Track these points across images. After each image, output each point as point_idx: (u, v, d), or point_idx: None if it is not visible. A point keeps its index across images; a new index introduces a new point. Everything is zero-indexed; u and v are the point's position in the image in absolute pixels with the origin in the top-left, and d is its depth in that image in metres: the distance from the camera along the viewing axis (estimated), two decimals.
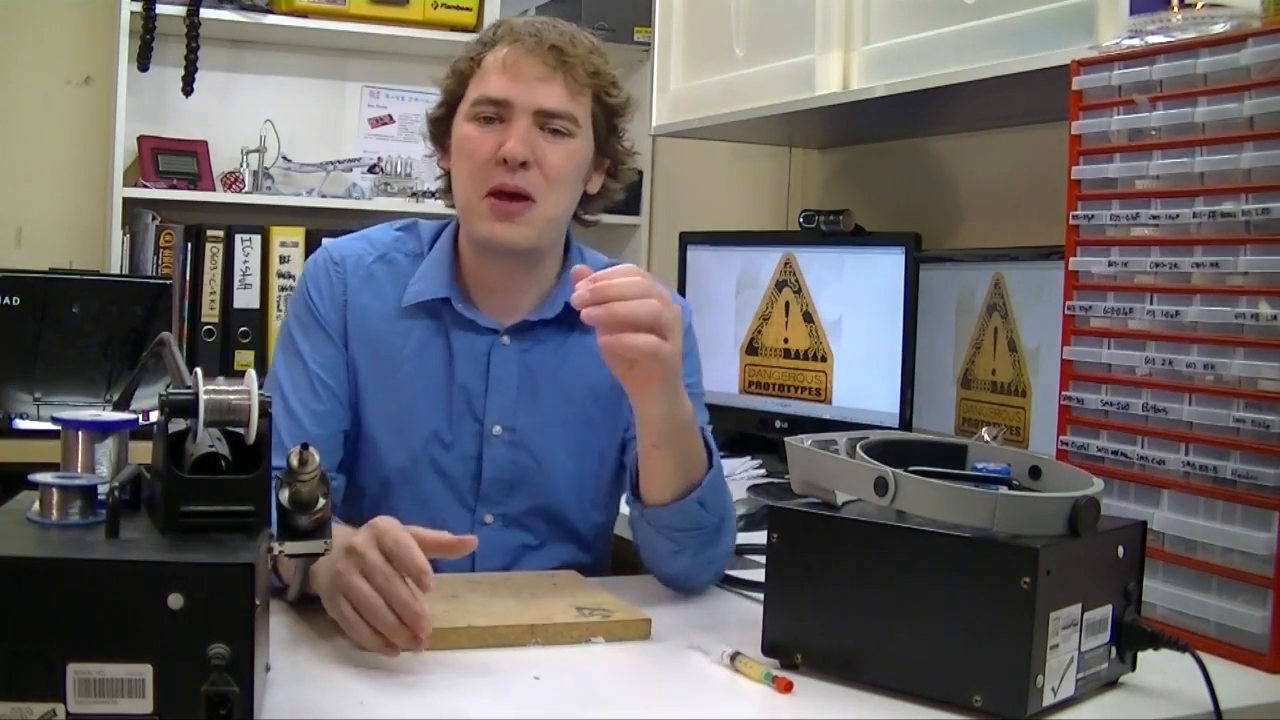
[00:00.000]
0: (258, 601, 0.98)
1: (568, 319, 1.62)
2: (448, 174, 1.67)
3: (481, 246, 1.60)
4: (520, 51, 1.55)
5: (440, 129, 1.66)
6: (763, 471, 2.52)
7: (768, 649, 1.26)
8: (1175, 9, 1.50)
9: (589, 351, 1.60)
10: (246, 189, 3.21)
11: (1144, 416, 1.47)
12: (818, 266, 2.53)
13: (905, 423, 2.28)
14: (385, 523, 1.28)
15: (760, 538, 1.34)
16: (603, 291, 1.33)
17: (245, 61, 3.33)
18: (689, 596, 1.55)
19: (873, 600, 1.19)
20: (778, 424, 2.54)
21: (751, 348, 2.64)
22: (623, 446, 1.68)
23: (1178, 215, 1.44)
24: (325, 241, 1.73)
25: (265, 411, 1.06)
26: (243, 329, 3.15)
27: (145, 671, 0.94)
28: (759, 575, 1.35)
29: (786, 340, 2.58)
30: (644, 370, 1.37)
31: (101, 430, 1.12)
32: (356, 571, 1.24)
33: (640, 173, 3.50)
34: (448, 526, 1.59)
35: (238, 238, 3.14)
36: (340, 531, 1.33)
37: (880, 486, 1.20)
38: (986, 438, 1.35)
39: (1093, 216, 1.53)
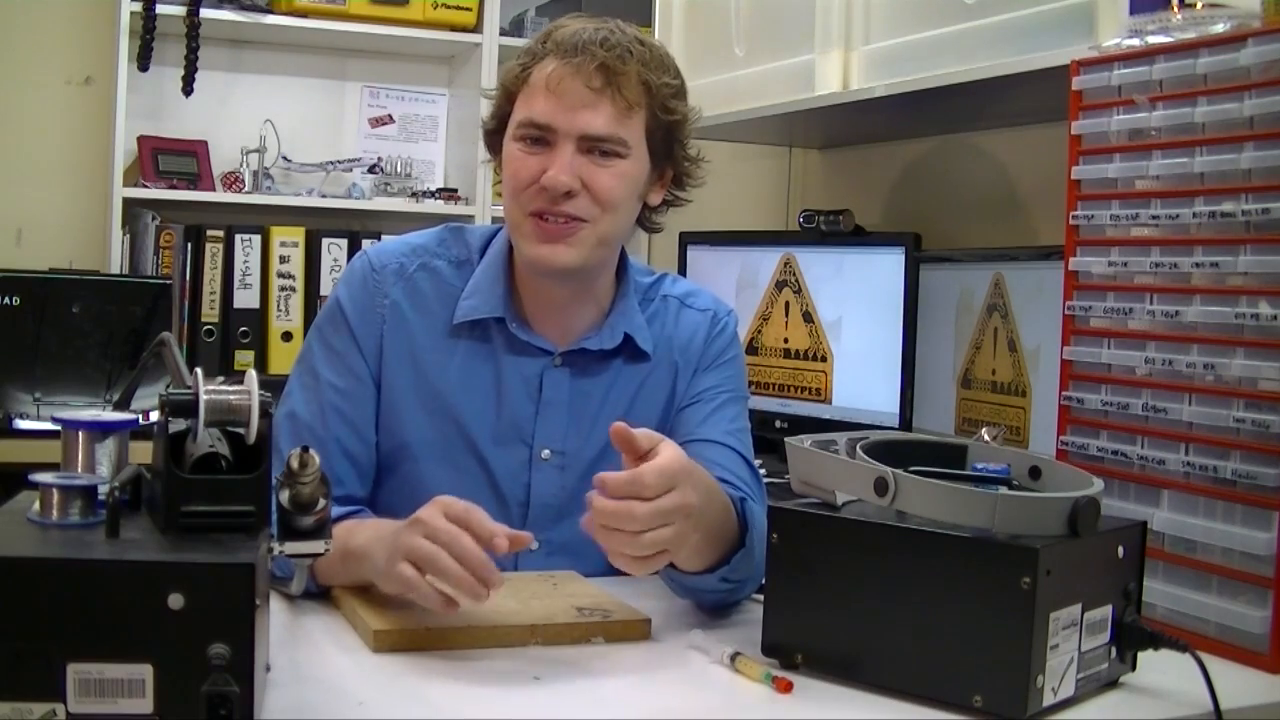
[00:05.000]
0: (258, 601, 0.98)
1: (624, 349, 1.60)
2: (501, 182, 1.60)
3: (529, 268, 1.55)
4: (566, 72, 1.47)
5: (493, 141, 1.59)
6: (763, 471, 2.51)
7: (768, 649, 1.26)
8: (1175, 9, 1.50)
9: (644, 383, 1.61)
10: (246, 189, 3.21)
11: (1144, 416, 1.47)
12: (818, 266, 2.53)
13: (905, 423, 2.28)
14: (449, 498, 1.28)
15: None
16: (630, 520, 1.21)
17: (245, 61, 3.33)
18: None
19: (873, 600, 1.19)
20: (778, 424, 2.54)
21: (751, 348, 2.64)
22: None
23: (1178, 215, 1.44)
24: (366, 246, 1.65)
25: (265, 412, 1.06)
26: (243, 329, 3.15)
27: (145, 671, 0.94)
28: None
29: (786, 340, 2.58)
30: None
31: (101, 430, 1.11)
32: (420, 535, 1.24)
33: None
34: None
35: (238, 238, 3.14)
36: (395, 522, 1.33)
37: (880, 487, 1.20)
38: (986, 438, 1.35)
39: (1093, 216, 1.53)
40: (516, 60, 1.55)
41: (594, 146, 1.48)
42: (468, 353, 1.57)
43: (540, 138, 1.49)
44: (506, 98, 1.55)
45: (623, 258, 1.64)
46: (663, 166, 1.57)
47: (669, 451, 1.25)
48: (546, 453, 1.58)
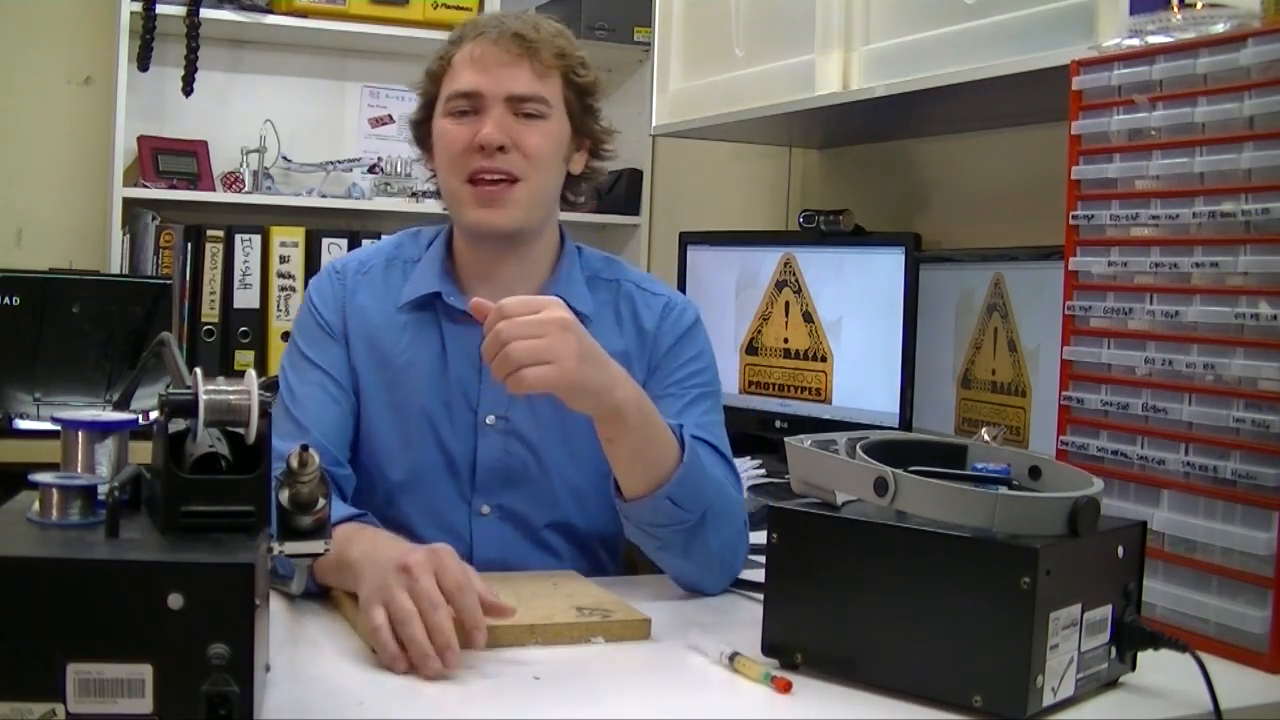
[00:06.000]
0: (258, 601, 0.98)
1: None
2: (435, 173, 1.70)
3: (471, 233, 1.64)
4: (485, 44, 1.61)
5: (421, 131, 1.71)
6: (763, 471, 2.52)
7: (768, 649, 1.26)
8: (1175, 9, 1.50)
9: None
10: (246, 189, 3.21)
11: (1144, 416, 1.46)
12: (818, 266, 2.53)
13: (905, 423, 2.28)
14: (450, 558, 1.28)
15: (760, 538, 1.34)
16: (496, 341, 1.35)
17: (245, 61, 3.33)
18: (689, 596, 1.55)
19: (873, 600, 1.19)
20: (778, 424, 2.54)
21: (751, 348, 2.64)
22: None
23: (1178, 215, 1.44)
24: (365, 245, 1.76)
25: (265, 411, 1.06)
26: (243, 329, 3.15)
27: (145, 671, 0.94)
28: (759, 575, 1.35)
29: (786, 340, 2.58)
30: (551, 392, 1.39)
31: (101, 430, 1.11)
32: (405, 590, 1.24)
33: (640, 172, 3.50)
34: (445, 516, 1.63)
35: (238, 238, 3.14)
36: (394, 545, 1.36)
37: (880, 486, 1.20)
38: (986, 438, 1.35)
39: (1093, 216, 1.53)
40: (437, 51, 1.70)
41: (519, 108, 1.60)
42: (415, 329, 1.66)
43: (469, 109, 1.61)
44: (433, 82, 1.68)
45: (564, 237, 1.72)
46: (581, 135, 1.68)
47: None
48: (491, 419, 1.63)
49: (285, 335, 3.16)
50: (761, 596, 1.28)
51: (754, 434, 2.64)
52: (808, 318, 2.53)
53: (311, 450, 1.14)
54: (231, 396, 1.07)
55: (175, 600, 0.94)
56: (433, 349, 1.65)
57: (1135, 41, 1.50)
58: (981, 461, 1.30)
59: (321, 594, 1.43)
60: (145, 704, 0.94)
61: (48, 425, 2.65)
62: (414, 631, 1.21)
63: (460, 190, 1.61)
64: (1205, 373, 1.40)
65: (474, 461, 1.63)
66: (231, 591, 0.95)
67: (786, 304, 2.58)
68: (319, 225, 3.23)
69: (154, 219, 3.10)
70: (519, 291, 1.64)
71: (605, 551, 1.70)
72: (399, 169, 3.39)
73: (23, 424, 2.72)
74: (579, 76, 1.65)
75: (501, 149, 1.58)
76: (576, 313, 1.63)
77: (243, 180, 3.22)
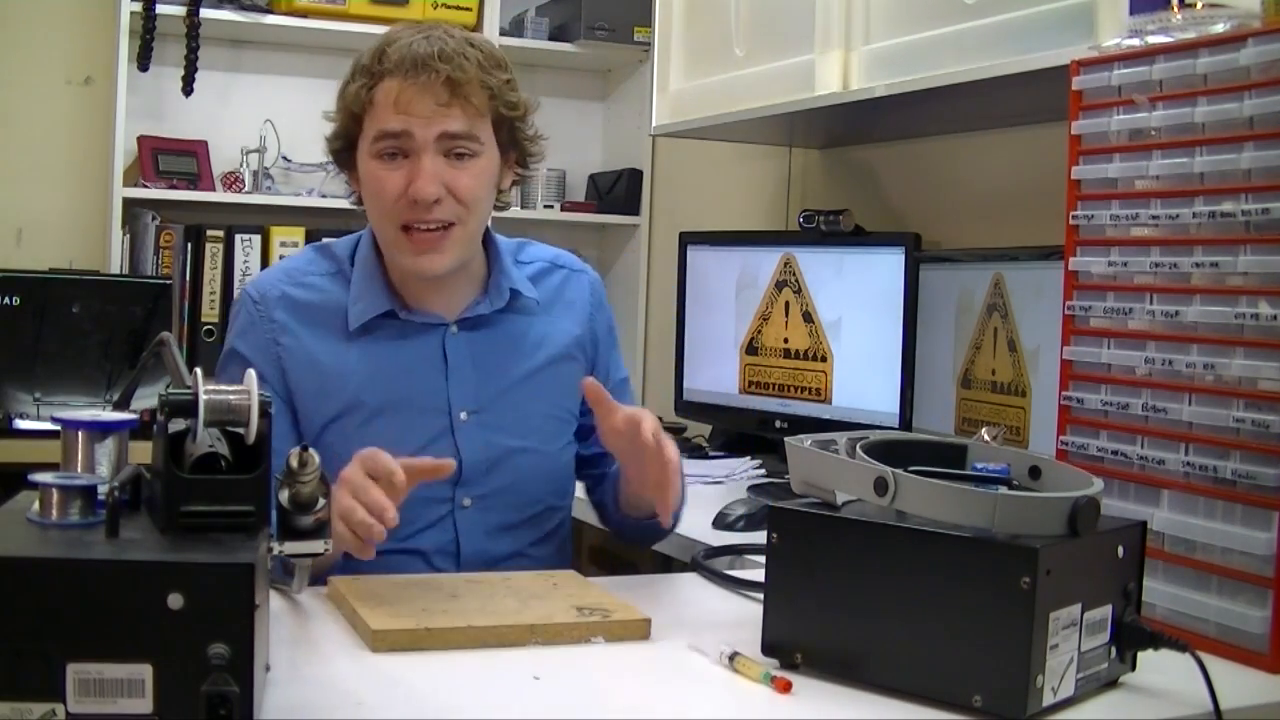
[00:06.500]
0: (258, 602, 0.98)
1: (513, 305, 1.70)
2: (357, 193, 1.70)
3: (409, 277, 1.66)
4: (413, 91, 1.56)
5: (344, 158, 1.69)
6: (763, 471, 2.52)
7: (767, 649, 1.26)
8: (1175, 9, 1.50)
9: (544, 330, 1.72)
10: (246, 189, 3.21)
11: (1144, 416, 1.46)
12: (818, 266, 2.52)
13: (905, 423, 2.28)
14: (367, 450, 1.39)
15: (760, 538, 1.34)
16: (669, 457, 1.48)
17: (245, 61, 3.33)
18: (689, 596, 1.55)
19: (873, 600, 1.19)
20: (778, 424, 2.54)
21: (751, 348, 2.64)
22: (579, 428, 1.76)
23: (1178, 215, 1.44)
24: (246, 285, 1.72)
25: (265, 411, 1.06)
26: None
27: (145, 671, 0.94)
28: (759, 575, 1.35)
29: (786, 340, 2.58)
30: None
31: (101, 430, 1.12)
32: (346, 492, 1.35)
33: (640, 173, 3.50)
34: (429, 515, 1.65)
35: (238, 238, 3.14)
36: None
37: (880, 486, 1.20)
38: (986, 438, 1.35)
39: (1093, 216, 1.53)
40: (354, 82, 1.62)
41: (451, 148, 1.59)
42: (368, 349, 1.65)
43: (398, 150, 1.58)
44: (353, 120, 1.63)
45: (486, 230, 1.73)
46: (509, 153, 1.68)
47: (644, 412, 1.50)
48: (464, 415, 1.66)
49: None
50: (761, 596, 1.28)
51: (754, 434, 2.64)
52: (808, 318, 2.53)
53: (311, 450, 1.14)
54: (231, 396, 1.07)
55: (175, 600, 0.94)
56: (391, 364, 1.65)
57: (1135, 41, 1.50)
58: (981, 461, 1.30)
59: (320, 581, 1.44)
60: (145, 704, 0.94)
61: (48, 425, 2.65)
62: (358, 517, 1.33)
63: (396, 238, 1.61)
64: (1205, 373, 1.40)
65: (458, 458, 1.63)
66: (231, 591, 0.95)
67: (786, 304, 2.58)
68: (319, 225, 3.23)
69: (154, 219, 3.10)
70: (465, 295, 1.69)
71: (563, 529, 1.76)
72: None
73: (23, 424, 2.72)
74: (509, 110, 1.63)
75: (436, 200, 1.57)
76: (524, 301, 1.71)
77: (243, 180, 3.22)
